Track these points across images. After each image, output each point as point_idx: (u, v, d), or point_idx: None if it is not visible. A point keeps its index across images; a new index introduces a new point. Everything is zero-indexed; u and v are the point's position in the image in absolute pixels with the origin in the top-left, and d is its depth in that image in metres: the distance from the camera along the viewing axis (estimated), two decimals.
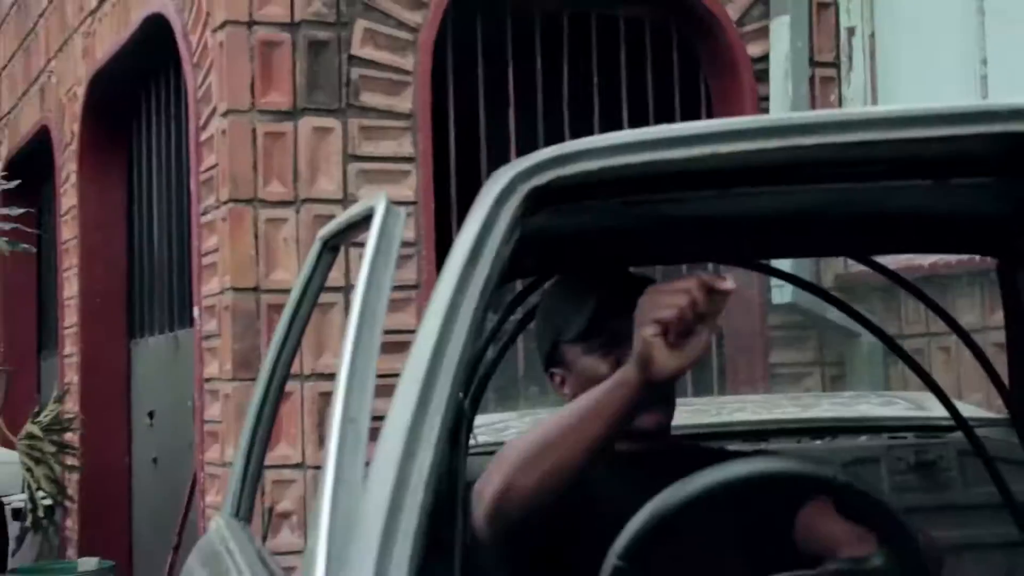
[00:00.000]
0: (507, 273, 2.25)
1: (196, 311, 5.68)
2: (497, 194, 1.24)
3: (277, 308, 5.03)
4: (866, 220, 2.25)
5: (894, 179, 1.76)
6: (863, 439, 2.83)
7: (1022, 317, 2.53)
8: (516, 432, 3.05)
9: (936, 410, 3.19)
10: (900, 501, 2.55)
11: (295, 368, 5.14)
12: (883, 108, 1.30)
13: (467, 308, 1.13)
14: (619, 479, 1.81)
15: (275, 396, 1.93)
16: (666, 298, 1.49)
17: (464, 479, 2.07)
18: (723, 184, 1.68)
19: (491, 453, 2.63)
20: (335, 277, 4.97)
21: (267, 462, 4.99)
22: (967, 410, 3.18)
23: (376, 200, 1.42)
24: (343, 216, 1.83)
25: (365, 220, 1.45)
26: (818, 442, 2.85)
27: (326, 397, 4.86)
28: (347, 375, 1.18)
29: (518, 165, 1.29)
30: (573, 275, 2.00)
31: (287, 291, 4.98)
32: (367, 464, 1.09)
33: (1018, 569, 2.49)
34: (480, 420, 3.27)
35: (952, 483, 2.57)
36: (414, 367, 1.11)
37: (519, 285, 2.38)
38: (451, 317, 1.13)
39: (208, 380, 5.48)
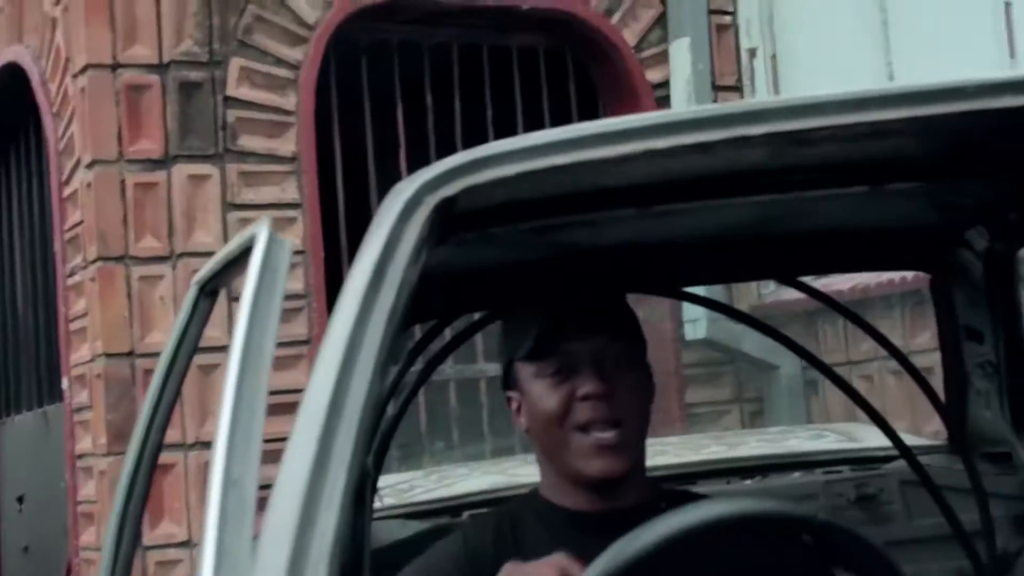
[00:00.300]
0: (409, 313, 2.15)
1: (65, 382, 5.45)
2: (401, 208, 1.11)
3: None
4: (793, 238, 2.19)
5: (824, 187, 1.69)
6: (797, 475, 2.75)
7: (956, 334, 2.49)
8: (422, 492, 2.92)
9: (869, 440, 3.15)
10: (904, 532, 2.49)
11: (177, 436, 4.98)
12: (818, 94, 1.21)
13: (370, 342, 1.00)
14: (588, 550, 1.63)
15: (148, 466, 1.76)
16: None
17: (369, 545, 1.93)
18: (649, 195, 1.58)
19: (399, 517, 2.51)
20: (217, 336, 4.78)
21: (148, 541, 4.81)
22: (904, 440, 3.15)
23: (256, 229, 1.29)
24: (220, 253, 1.68)
25: (246, 255, 1.32)
26: (748, 481, 2.77)
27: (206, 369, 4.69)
28: (228, 430, 1.04)
29: (424, 175, 1.16)
30: (534, 289, 1.85)
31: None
32: (255, 538, 0.96)
33: None
34: (383, 481, 3.15)
35: (895, 516, 2.50)
36: (311, 413, 0.96)
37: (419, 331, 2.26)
38: (352, 353, 0.99)
39: (80, 456, 5.23)
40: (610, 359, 1.65)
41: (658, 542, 1.14)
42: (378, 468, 2.05)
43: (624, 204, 1.60)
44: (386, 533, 2.35)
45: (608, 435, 1.61)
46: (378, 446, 2.04)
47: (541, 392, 1.66)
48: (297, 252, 4.97)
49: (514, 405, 1.74)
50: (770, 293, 6.67)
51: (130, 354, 4.89)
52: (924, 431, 3.76)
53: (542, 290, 2.00)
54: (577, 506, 1.67)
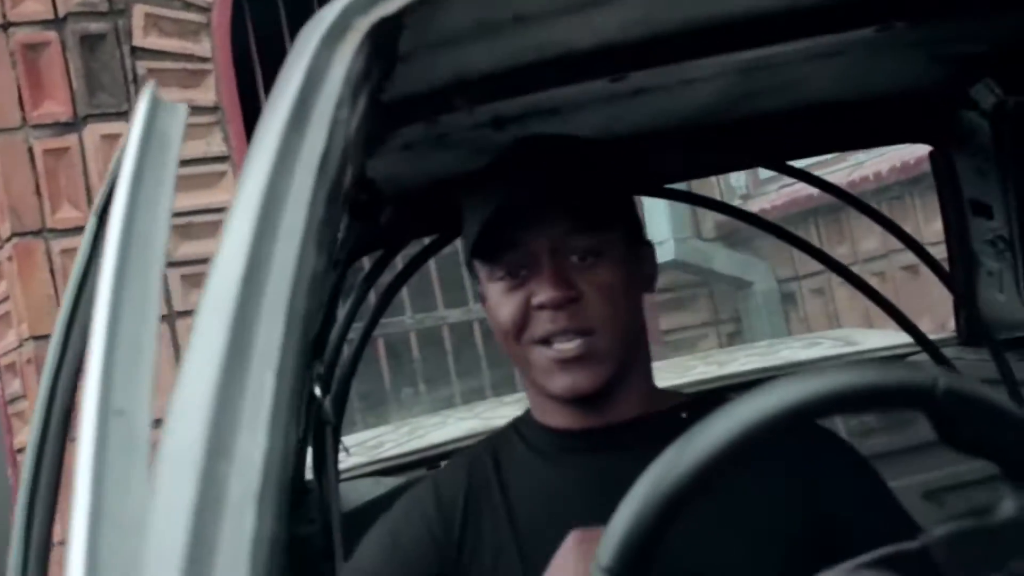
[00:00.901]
0: (354, 247, 1.95)
1: None
2: (325, 32, 0.86)
3: None
4: (780, 116, 2.02)
5: (815, 33, 1.49)
6: None
7: (962, 210, 2.32)
8: (394, 446, 2.73)
9: (868, 343, 2.99)
10: (864, 448, 2.34)
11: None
12: None
13: (296, 199, 0.76)
14: (574, 471, 1.41)
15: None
16: None
17: (339, 509, 1.73)
18: (621, 59, 1.38)
19: (370, 475, 2.31)
20: None
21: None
22: (895, 338, 2.99)
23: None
24: (111, 169, 1.44)
25: None
26: None
27: None
28: (106, 346, 0.80)
29: None
30: (497, 164, 1.51)
31: None
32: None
33: (1002, 505, 2.27)
34: (352, 440, 2.96)
35: (916, 418, 2.32)
36: (219, 294, 0.72)
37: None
38: (271, 214, 0.74)
39: (20, 451, 5.01)
40: (575, 254, 1.39)
41: (730, 442, 0.87)
42: (339, 415, 1.83)
43: (592, 73, 1.39)
44: (358, 494, 2.16)
45: (571, 345, 1.37)
46: (338, 389, 1.82)
47: (495, 299, 1.41)
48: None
49: (479, 288, 1.50)
50: (739, 206, 6.53)
51: None
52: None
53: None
54: (564, 424, 1.44)
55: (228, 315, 0.71)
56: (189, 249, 4.63)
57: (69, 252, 4.73)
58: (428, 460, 2.38)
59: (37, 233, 4.77)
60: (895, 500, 1.46)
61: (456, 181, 1.82)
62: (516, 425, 1.52)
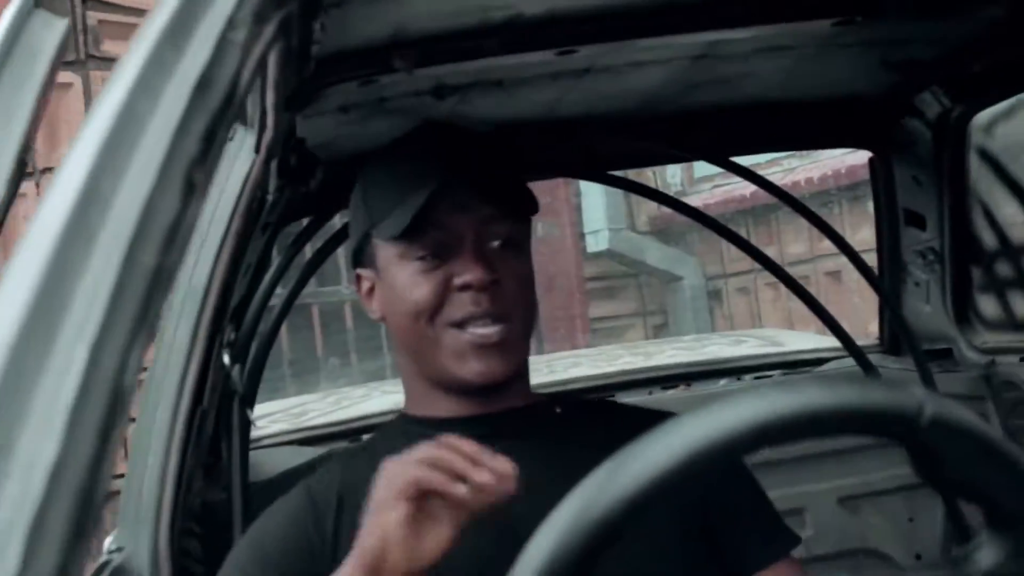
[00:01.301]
0: (284, 211, 1.83)
1: None
2: None
3: None
4: (724, 110, 1.93)
5: (767, 21, 1.40)
6: (723, 383, 2.50)
7: (895, 219, 2.26)
8: (318, 415, 2.62)
9: (792, 344, 2.93)
10: (786, 451, 2.27)
11: None
12: None
13: (160, 125, 0.56)
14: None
15: None
16: (423, 470, 1.08)
17: (242, 479, 1.62)
18: (569, 32, 1.27)
19: (291, 443, 2.20)
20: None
21: None
22: (818, 341, 2.93)
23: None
24: None
25: None
26: (671, 392, 2.51)
27: None
28: None
29: None
30: (409, 144, 1.38)
31: None
32: None
33: (920, 513, 2.21)
34: (277, 406, 2.84)
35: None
36: (31, 248, 0.53)
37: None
38: (124, 141, 0.55)
39: None
40: (497, 240, 1.32)
41: (679, 465, 0.70)
42: (254, 384, 1.72)
43: (540, 44, 1.28)
44: (276, 462, 2.04)
45: (490, 331, 1.29)
46: (252, 364, 1.70)
47: (407, 279, 1.31)
48: None
49: (365, 285, 1.39)
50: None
51: None
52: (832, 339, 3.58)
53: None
54: (447, 413, 1.35)
55: (40, 266, 0.53)
56: None
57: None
58: (350, 432, 2.27)
59: None
60: (770, 506, 1.39)
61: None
62: (390, 426, 1.43)
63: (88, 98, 4.65)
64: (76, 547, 0.48)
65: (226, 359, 1.44)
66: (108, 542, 1.27)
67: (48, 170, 4.61)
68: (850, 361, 2.23)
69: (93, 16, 4.64)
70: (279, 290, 1.85)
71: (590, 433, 1.31)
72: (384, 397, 2.78)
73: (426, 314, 1.30)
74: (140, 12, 4.72)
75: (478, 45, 1.27)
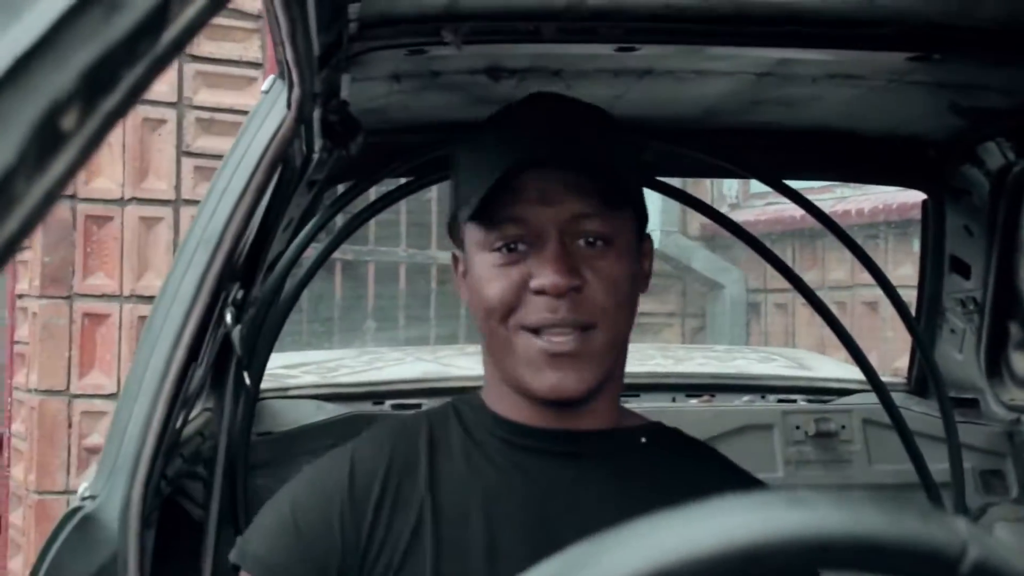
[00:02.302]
0: (330, 172, 1.71)
1: None
2: None
3: (96, 219, 4.38)
4: (784, 132, 1.80)
5: (842, 45, 1.25)
6: (746, 399, 2.36)
7: (940, 265, 2.11)
8: (348, 373, 2.51)
9: (819, 370, 2.78)
10: (797, 478, 2.13)
11: (114, 288, 4.53)
12: None
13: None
14: (518, 472, 1.13)
15: None
16: None
17: (248, 429, 1.51)
18: (638, 29, 1.14)
19: (315, 398, 2.08)
20: (163, 189, 4.33)
21: (77, 390, 4.38)
22: (847, 371, 2.77)
23: None
24: None
25: None
26: (694, 401, 2.38)
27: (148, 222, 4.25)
28: None
29: None
30: (508, 116, 1.16)
31: (106, 201, 4.35)
32: None
33: None
34: (313, 357, 2.73)
35: (855, 457, 2.10)
36: None
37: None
38: None
39: (20, 296, 4.79)
40: (584, 238, 1.11)
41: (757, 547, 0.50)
42: (266, 350, 1.60)
43: (598, 37, 1.15)
44: (297, 414, 1.93)
45: (564, 339, 1.09)
46: (268, 326, 1.58)
47: (485, 271, 1.12)
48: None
49: (460, 268, 1.20)
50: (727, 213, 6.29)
51: (72, 197, 4.42)
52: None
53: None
54: (522, 419, 1.15)
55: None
56: (206, 143, 4.38)
57: None
58: (374, 395, 2.16)
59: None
60: None
61: (443, 127, 1.59)
62: (457, 406, 1.21)
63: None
64: None
65: (228, 319, 1.31)
66: (82, 488, 1.16)
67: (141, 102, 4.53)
68: (874, 396, 2.09)
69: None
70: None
71: (672, 475, 1.15)
72: (416, 364, 2.67)
73: (498, 313, 1.11)
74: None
75: (535, 28, 1.13)
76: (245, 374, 1.43)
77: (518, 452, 1.14)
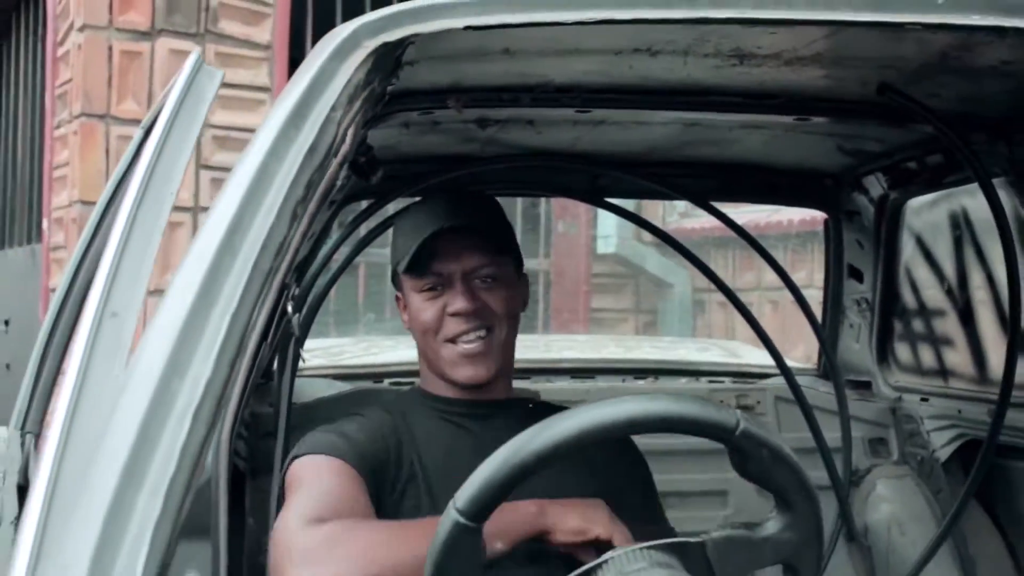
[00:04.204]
0: (349, 193, 1.98)
1: (45, 223, 5.18)
2: (336, 47, 0.90)
3: None
4: (712, 164, 2.05)
5: (750, 111, 1.53)
6: (683, 381, 2.63)
7: (840, 271, 2.37)
8: (351, 357, 2.77)
9: (748, 358, 3.04)
10: (715, 444, 2.38)
11: None
12: None
13: (282, 179, 0.81)
14: (454, 427, 1.55)
15: (79, 296, 1.56)
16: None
17: (290, 400, 1.78)
18: (589, 97, 1.41)
19: (326, 376, 2.35)
20: (184, 198, 4.55)
21: None
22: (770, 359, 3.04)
23: (190, 59, 1.09)
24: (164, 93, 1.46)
25: None
26: (641, 382, 2.64)
27: (171, 226, 4.46)
28: (115, 257, 0.85)
29: (365, 17, 0.97)
30: (425, 203, 1.66)
31: None
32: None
33: (768, 523, 2.33)
34: (319, 344, 2.98)
35: (767, 427, 2.37)
36: (203, 247, 0.78)
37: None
38: (259, 188, 0.80)
39: (54, 291, 4.99)
40: (480, 277, 1.54)
41: (578, 434, 0.95)
42: (306, 329, 1.87)
43: (563, 103, 1.43)
44: (313, 389, 2.19)
45: (473, 345, 1.52)
46: (306, 313, 1.86)
47: (418, 305, 1.55)
48: None
49: (400, 304, 1.63)
50: (672, 221, 6.55)
51: None
52: (792, 356, 3.68)
53: (472, 182, 1.84)
54: (445, 393, 1.59)
55: (205, 268, 0.77)
56: (222, 157, 4.62)
57: (123, 138, 4.70)
58: (375, 375, 2.41)
59: (101, 117, 4.72)
60: (656, 493, 1.63)
61: (442, 159, 1.86)
62: (408, 394, 1.64)
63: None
64: (215, 425, 0.73)
65: (289, 308, 1.60)
66: None
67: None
68: (798, 378, 2.34)
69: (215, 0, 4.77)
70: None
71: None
72: (407, 350, 2.92)
73: (431, 331, 1.53)
74: (254, 0, 4.85)
75: (516, 98, 1.41)
76: (302, 352, 1.72)
77: (455, 416, 1.57)
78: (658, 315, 6.57)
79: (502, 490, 0.95)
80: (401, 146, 1.78)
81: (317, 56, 0.90)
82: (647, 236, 6.54)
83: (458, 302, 1.51)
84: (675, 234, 6.61)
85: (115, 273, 0.84)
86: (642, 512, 1.51)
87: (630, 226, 6.41)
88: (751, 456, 0.98)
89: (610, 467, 1.54)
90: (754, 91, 1.45)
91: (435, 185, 1.89)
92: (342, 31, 0.93)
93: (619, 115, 1.62)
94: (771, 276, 5.78)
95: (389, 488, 1.46)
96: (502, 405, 1.58)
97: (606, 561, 0.99)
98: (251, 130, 4.46)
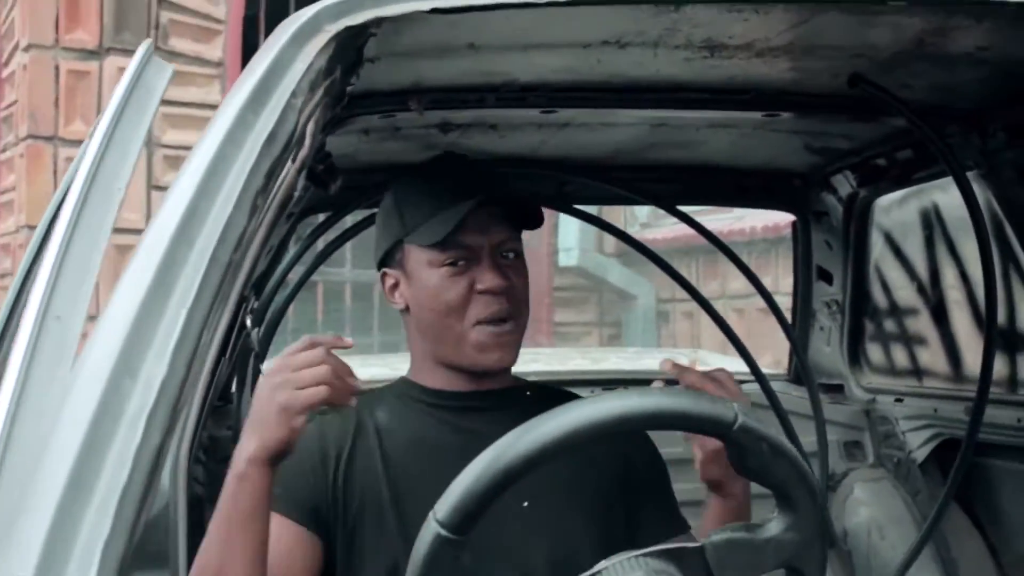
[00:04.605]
0: (307, 205, 1.93)
1: None
2: (296, 30, 0.85)
3: None
4: (678, 167, 2.02)
5: (719, 107, 1.50)
6: None
7: (809, 274, 2.36)
8: None
9: (716, 365, 3.02)
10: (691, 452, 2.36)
11: (91, 310, 4.66)
12: None
13: (240, 167, 0.76)
14: (445, 424, 1.43)
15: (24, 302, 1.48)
16: (306, 372, 1.19)
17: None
18: (555, 96, 1.38)
19: None
20: (134, 219, 4.46)
21: None
22: (741, 367, 3.02)
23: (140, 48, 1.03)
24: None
25: None
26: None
27: (122, 250, 4.35)
28: (58, 256, 0.79)
29: (327, 0, 0.92)
30: (440, 169, 1.50)
31: None
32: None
33: (769, 524, 2.29)
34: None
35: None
36: (153, 239, 0.72)
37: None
38: (215, 177, 0.75)
39: None
40: (504, 252, 1.42)
41: (566, 433, 0.90)
42: (265, 347, 1.81)
43: (528, 103, 1.39)
44: None
45: (507, 327, 1.40)
46: (266, 328, 1.80)
47: (437, 282, 1.40)
48: None
49: (390, 282, 1.47)
50: (633, 232, 6.56)
51: None
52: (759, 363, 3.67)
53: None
54: (446, 386, 1.45)
55: (158, 259, 0.71)
56: (173, 178, 4.53)
57: (72, 160, 4.61)
58: None
59: (48, 139, 4.63)
60: (672, 491, 1.52)
61: (403, 168, 1.82)
62: (391, 388, 1.51)
63: None
64: (172, 431, 0.68)
65: (248, 322, 1.54)
66: None
67: None
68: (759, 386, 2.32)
69: (165, 15, 4.71)
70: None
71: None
72: (367, 368, 2.88)
73: (455, 312, 1.39)
74: (205, 17, 4.80)
75: (480, 97, 1.38)
76: (262, 368, 1.65)
77: (442, 410, 1.44)
78: (622, 327, 6.56)
79: (486, 498, 0.89)
80: (360, 154, 1.73)
81: (276, 40, 0.86)
82: (609, 247, 6.53)
83: (490, 278, 1.38)
84: (648, 245, 6.62)
85: (58, 274, 0.78)
86: (652, 507, 1.43)
87: (592, 238, 6.40)
88: (750, 451, 0.93)
89: (612, 459, 1.43)
90: (724, 86, 1.42)
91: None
92: (303, 15, 0.89)
93: (585, 115, 1.59)
94: (736, 285, 5.80)
95: (340, 522, 1.36)
96: (500, 395, 1.45)
97: (600, 572, 0.94)
98: None
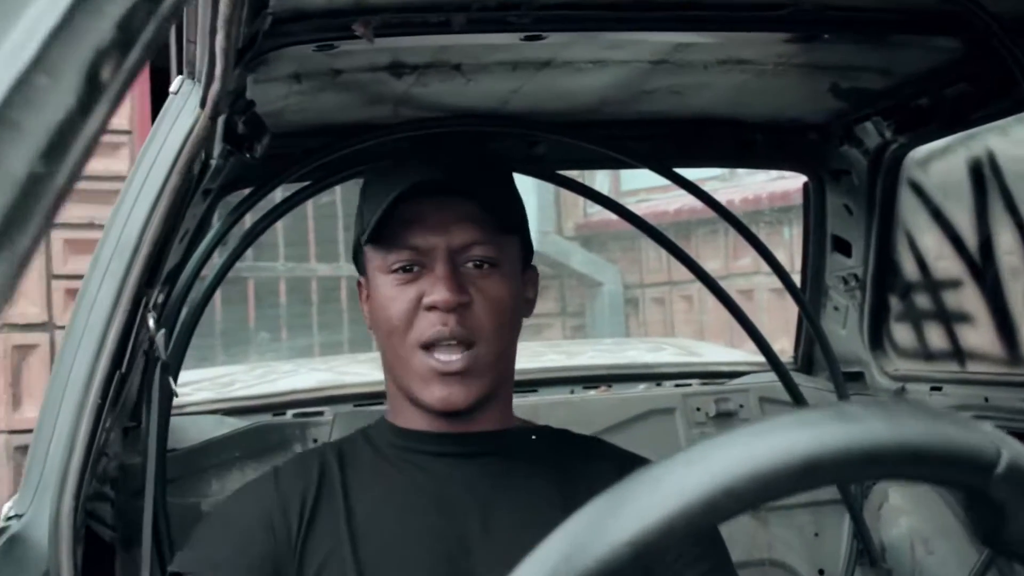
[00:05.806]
0: (227, 179, 1.67)
1: None
2: None
3: None
4: (671, 121, 1.82)
5: (733, 27, 1.28)
6: (642, 387, 2.38)
7: (822, 244, 2.16)
8: (243, 387, 2.46)
9: (708, 355, 2.83)
10: None
11: None
12: None
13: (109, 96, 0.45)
14: (420, 473, 1.22)
15: None
16: None
17: (163, 444, 1.47)
18: (536, 17, 1.15)
19: (215, 412, 2.04)
20: (33, 314, 4.02)
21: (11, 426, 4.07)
22: (731, 354, 2.83)
23: None
24: None
25: None
26: (592, 392, 2.40)
27: (22, 351, 3.99)
28: None
29: None
30: (408, 152, 1.33)
31: None
32: None
33: (826, 529, 2.10)
34: (205, 374, 2.66)
35: None
36: None
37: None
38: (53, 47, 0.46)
39: None
40: (473, 259, 1.20)
41: (707, 504, 0.47)
42: (178, 354, 1.55)
43: (508, 25, 1.15)
44: (199, 430, 1.89)
45: (454, 358, 1.18)
46: (180, 331, 1.54)
47: (386, 291, 1.21)
48: None
49: (363, 292, 1.28)
50: (595, 212, 6.36)
51: None
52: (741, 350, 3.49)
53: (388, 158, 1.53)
54: (418, 426, 1.25)
55: None
56: (76, 265, 4.10)
57: None
58: (274, 406, 2.11)
59: None
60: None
61: (342, 129, 1.57)
62: (364, 430, 1.31)
63: None
64: None
65: (151, 324, 1.28)
66: (7, 507, 1.11)
67: None
68: (766, 376, 2.13)
69: None
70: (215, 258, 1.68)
71: (563, 465, 1.23)
72: (311, 374, 2.63)
73: (399, 331, 1.19)
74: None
75: (446, 20, 1.13)
76: (171, 380, 1.40)
77: (419, 455, 1.24)
78: (587, 317, 6.37)
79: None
80: (290, 110, 1.49)
81: None
82: (569, 230, 6.33)
83: (439, 289, 1.16)
84: (600, 226, 6.40)
85: None
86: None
87: (550, 220, 6.19)
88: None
89: (597, 477, 1.21)
90: (752, 1, 1.20)
91: (334, 163, 1.60)
92: None
93: (572, 49, 1.36)
94: (711, 266, 5.61)
95: None
96: (492, 438, 1.24)
97: None
98: (101, 226, 4.10)
